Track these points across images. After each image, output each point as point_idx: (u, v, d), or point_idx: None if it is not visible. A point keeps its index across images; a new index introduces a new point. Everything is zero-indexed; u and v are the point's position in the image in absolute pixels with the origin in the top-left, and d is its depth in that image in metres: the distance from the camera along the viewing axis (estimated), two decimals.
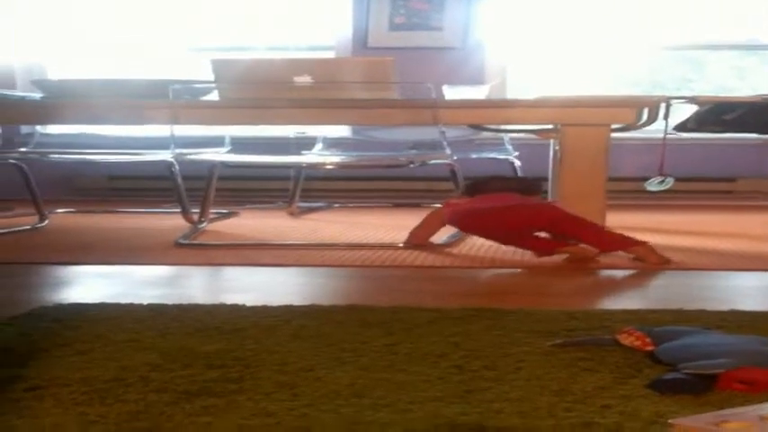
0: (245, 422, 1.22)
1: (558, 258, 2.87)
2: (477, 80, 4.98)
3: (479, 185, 3.15)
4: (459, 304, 2.07)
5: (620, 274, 2.70)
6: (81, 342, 1.69)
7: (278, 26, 5.58)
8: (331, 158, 4.30)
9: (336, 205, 4.89)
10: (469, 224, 3.06)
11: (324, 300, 2.14)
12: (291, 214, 4.42)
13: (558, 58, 5.55)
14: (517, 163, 4.58)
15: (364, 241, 3.12)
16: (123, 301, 2.13)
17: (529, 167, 4.56)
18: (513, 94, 5.37)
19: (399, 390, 1.36)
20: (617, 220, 3.53)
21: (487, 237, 3.06)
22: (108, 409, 1.28)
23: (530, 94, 4.83)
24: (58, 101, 3.59)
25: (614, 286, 2.56)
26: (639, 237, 2.84)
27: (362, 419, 1.22)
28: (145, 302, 2.10)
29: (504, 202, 3.02)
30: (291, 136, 4.76)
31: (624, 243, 2.88)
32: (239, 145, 4.24)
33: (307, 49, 5.62)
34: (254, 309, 2.01)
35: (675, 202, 4.92)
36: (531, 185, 3.22)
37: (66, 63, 5.73)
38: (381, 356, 1.57)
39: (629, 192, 4.68)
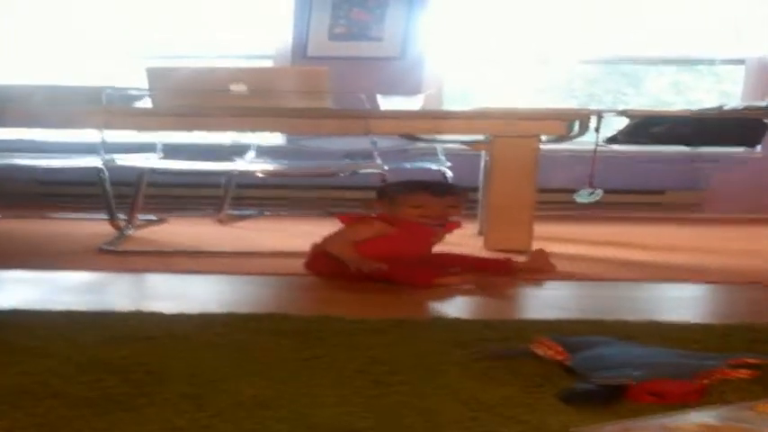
0: None
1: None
2: (416, 90, 4.97)
3: (391, 189, 2.96)
4: (379, 315, 2.05)
5: (541, 284, 2.69)
6: None
7: (220, 35, 5.53)
8: (262, 166, 4.26)
9: (267, 213, 4.85)
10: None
11: (243, 308, 2.11)
12: (221, 222, 4.37)
13: (496, 69, 5.57)
14: (449, 174, 4.59)
15: (290, 249, 3.09)
16: (39, 307, 2.08)
17: (460, 178, 4.56)
18: (450, 104, 5.38)
19: (305, 400, 1.34)
20: (546, 232, 3.55)
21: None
22: (7, 420, 1.25)
23: (467, 105, 4.86)
24: None
25: (535, 296, 2.56)
26: (567, 249, 2.82)
27: (263, 431, 1.21)
28: (60, 309, 2.05)
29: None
30: (226, 143, 4.72)
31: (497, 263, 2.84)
32: (172, 151, 4.19)
33: (247, 57, 5.58)
34: (170, 317, 1.98)
35: (604, 213, 4.96)
36: (444, 188, 3.03)
37: (8, 68, 5.61)
38: (293, 367, 1.55)
39: (559, 203, 4.70)
